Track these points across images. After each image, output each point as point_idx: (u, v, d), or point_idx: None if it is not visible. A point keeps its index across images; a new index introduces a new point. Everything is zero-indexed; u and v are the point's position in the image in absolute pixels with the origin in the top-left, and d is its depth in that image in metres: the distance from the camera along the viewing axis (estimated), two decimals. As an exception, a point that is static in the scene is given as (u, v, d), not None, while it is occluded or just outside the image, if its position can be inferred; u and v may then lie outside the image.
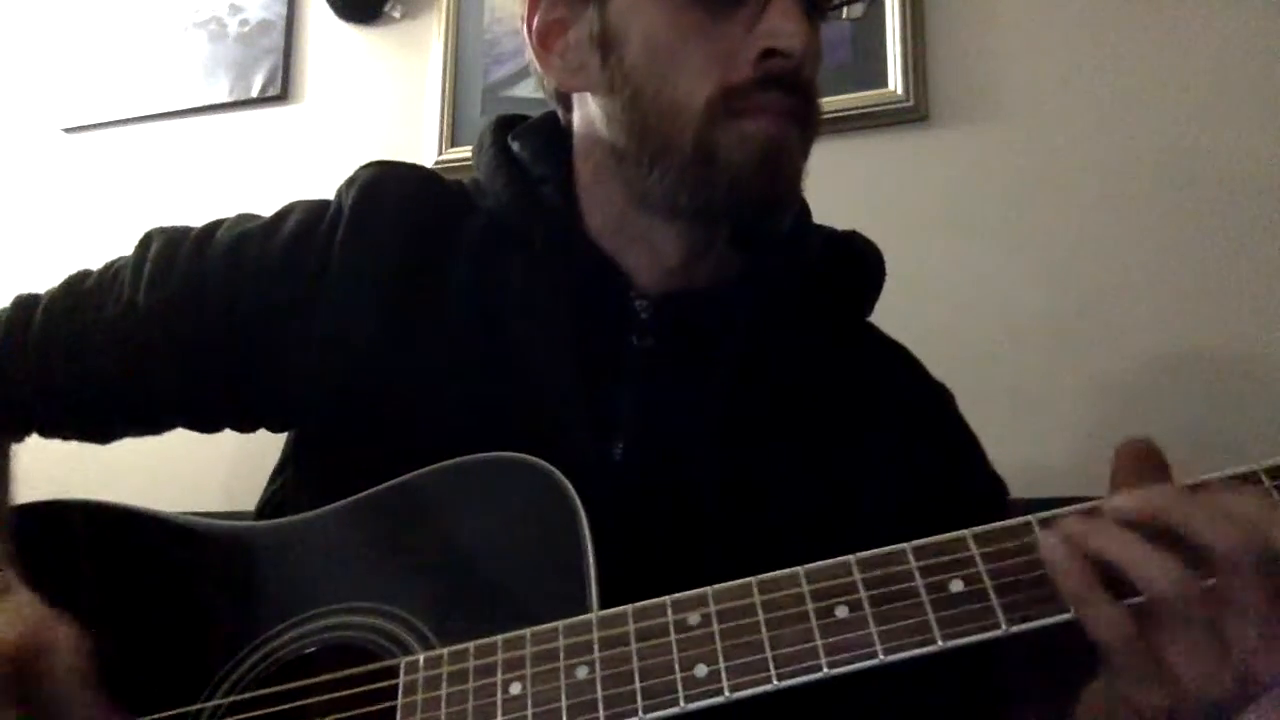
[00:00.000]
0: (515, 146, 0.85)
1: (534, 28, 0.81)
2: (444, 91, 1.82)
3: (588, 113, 0.81)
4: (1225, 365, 1.32)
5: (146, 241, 0.86)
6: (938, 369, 0.90)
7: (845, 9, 0.83)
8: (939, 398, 0.88)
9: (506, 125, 0.88)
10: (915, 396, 0.86)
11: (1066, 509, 0.57)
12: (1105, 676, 0.57)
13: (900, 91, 1.53)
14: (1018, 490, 0.88)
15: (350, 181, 0.85)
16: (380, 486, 0.73)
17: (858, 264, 0.89)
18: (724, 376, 0.79)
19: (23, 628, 0.63)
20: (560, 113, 0.86)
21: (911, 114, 1.53)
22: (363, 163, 0.88)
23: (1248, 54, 1.37)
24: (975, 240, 1.47)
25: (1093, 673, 0.60)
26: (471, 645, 0.62)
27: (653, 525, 0.71)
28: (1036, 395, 1.39)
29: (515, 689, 0.59)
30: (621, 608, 0.60)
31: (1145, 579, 0.53)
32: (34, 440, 0.88)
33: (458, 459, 0.71)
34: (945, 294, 1.44)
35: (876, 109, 1.54)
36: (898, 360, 0.89)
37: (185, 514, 0.83)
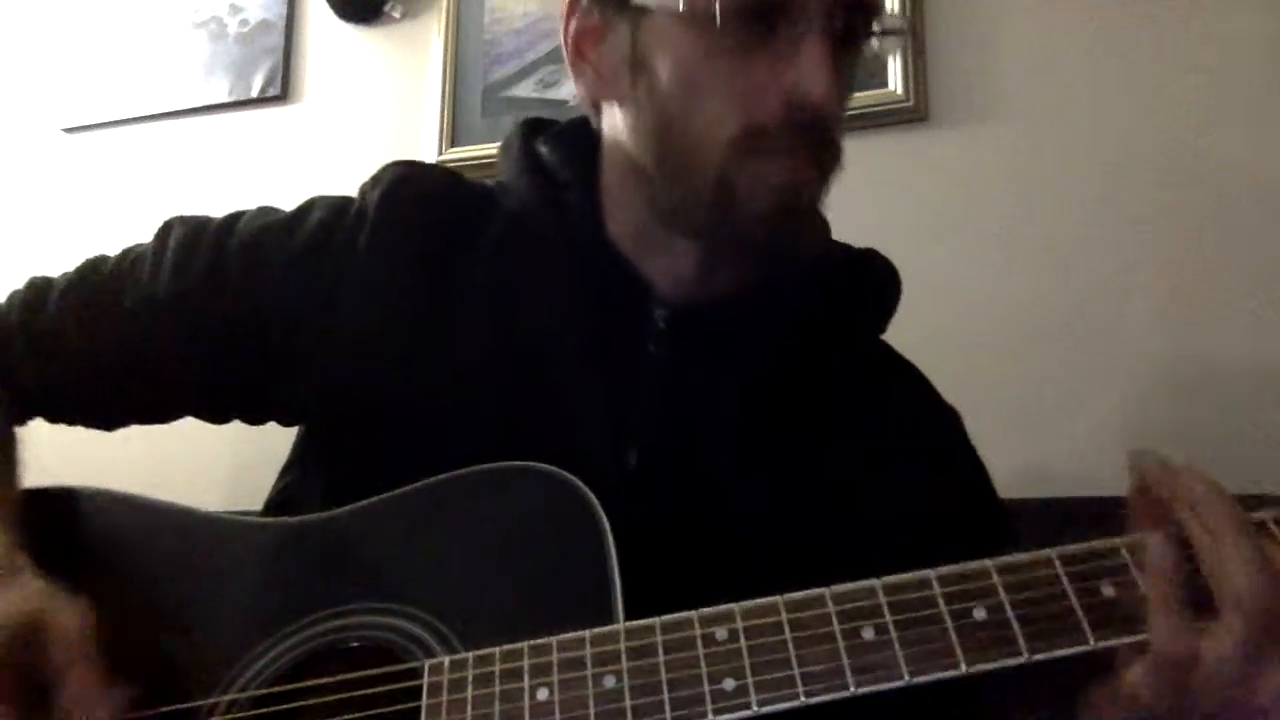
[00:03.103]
0: (544, 150, 0.85)
1: (570, 33, 0.81)
2: (444, 91, 1.81)
3: (615, 122, 0.80)
4: (1225, 365, 1.33)
5: (166, 230, 0.86)
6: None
7: (878, 41, 0.81)
8: (948, 423, 0.88)
9: (535, 128, 0.88)
10: (925, 420, 0.86)
11: (1085, 545, 0.59)
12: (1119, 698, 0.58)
13: (900, 91, 1.54)
14: (1019, 490, 0.89)
15: (374, 180, 0.84)
16: (402, 489, 0.73)
17: (874, 282, 0.89)
18: (738, 387, 0.79)
19: (26, 603, 0.63)
20: (592, 117, 0.85)
21: (911, 114, 1.54)
22: (375, 162, 0.87)
23: (1248, 54, 1.39)
24: (975, 240, 1.48)
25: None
26: (497, 650, 0.62)
27: (665, 534, 0.71)
28: (1037, 395, 1.40)
29: (542, 694, 0.59)
30: (648, 620, 0.60)
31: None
32: (33, 440, 0.86)
33: (482, 466, 0.71)
34: (945, 294, 1.43)
35: (876, 109, 1.54)
36: (909, 381, 0.89)
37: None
